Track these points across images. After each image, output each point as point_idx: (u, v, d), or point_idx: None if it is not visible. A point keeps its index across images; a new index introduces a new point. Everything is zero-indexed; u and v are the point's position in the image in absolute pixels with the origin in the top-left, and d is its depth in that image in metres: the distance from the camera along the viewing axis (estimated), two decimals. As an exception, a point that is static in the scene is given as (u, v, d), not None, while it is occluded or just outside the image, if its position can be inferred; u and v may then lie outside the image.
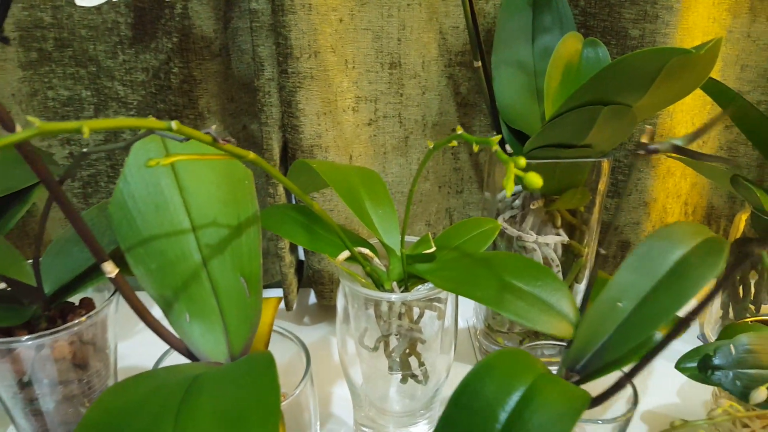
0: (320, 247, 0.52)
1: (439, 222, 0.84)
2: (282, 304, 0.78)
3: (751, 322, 0.56)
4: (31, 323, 0.52)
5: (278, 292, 0.85)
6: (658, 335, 0.46)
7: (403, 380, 0.56)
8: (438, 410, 0.60)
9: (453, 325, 0.56)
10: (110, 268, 0.39)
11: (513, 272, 0.47)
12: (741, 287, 0.70)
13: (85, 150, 0.39)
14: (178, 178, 0.44)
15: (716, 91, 0.62)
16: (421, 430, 0.60)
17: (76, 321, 0.50)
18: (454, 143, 0.39)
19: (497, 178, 0.66)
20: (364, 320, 0.55)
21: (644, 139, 0.51)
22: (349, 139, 0.72)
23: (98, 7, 0.70)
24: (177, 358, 0.43)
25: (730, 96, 0.60)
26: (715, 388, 0.56)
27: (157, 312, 0.41)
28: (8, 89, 0.71)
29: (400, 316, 0.53)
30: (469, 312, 0.78)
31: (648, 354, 0.40)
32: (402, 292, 0.52)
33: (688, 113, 0.75)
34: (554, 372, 0.45)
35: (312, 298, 0.85)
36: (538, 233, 0.65)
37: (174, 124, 0.30)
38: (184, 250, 0.43)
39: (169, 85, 0.72)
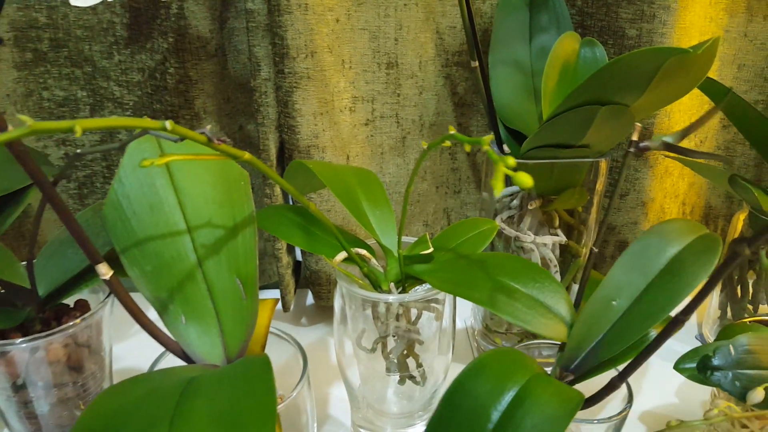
0: (317, 248, 0.52)
1: (437, 222, 0.84)
2: (279, 305, 0.77)
3: (750, 322, 0.55)
4: (25, 325, 0.52)
5: (275, 293, 0.85)
6: (653, 334, 0.46)
7: (401, 381, 0.56)
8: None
9: (451, 326, 0.56)
10: (105, 270, 0.38)
11: (511, 274, 0.47)
12: (739, 287, 0.70)
13: (78, 151, 0.39)
14: (174, 178, 0.43)
15: (714, 90, 0.62)
16: (419, 431, 0.59)
17: (71, 323, 0.50)
18: (448, 144, 0.39)
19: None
20: (362, 321, 0.55)
21: (635, 137, 0.51)
22: (346, 140, 0.72)
23: (93, 8, 0.69)
24: (173, 361, 0.43)
25: (725, 93, 0.60)
26: (714, 388, 0.56)
27: (152, 314, 0.41)
28: (3, 90, 0.71)
29: (397, 317, 0.53)
30: (466, 313, 0.78)
31: (641, 354, 0.40)
32: (399, 293, 0.52)
33: (686, 113, 0.75)
34: (549, 372, 0.45)
35: (309, 299, 0.84)
36: (536, 233, 0.65)
37: (168, 124, 0.30)
38: (180, 251, 0.42)
39: (165, 85, 0.72)
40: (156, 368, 0.45)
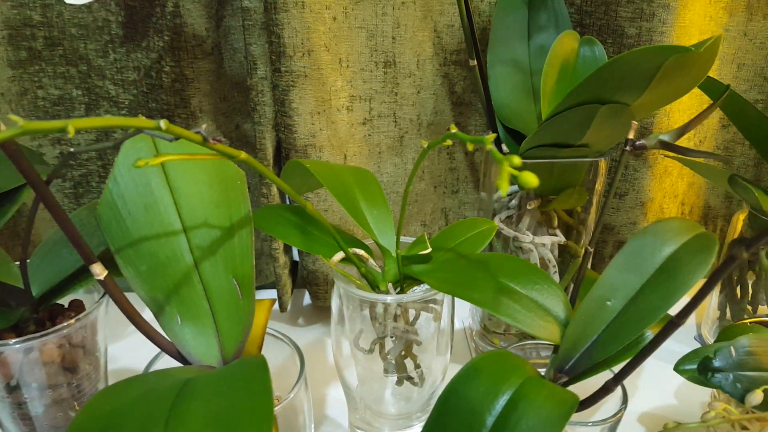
0: (314, 248, 0.52)
1: (435, 222, 0.84)
2: (276, 305, 0.77)
3: (750, 323, 0.55)
4: (19, 326, 0.51)
5: (272, 293, 0.84)
6: (649, 334, 0.45)
7: (399, 382, 0.56)
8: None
9: (449, 327, 0.56)
10: (99, 270, 0.38)
11: (509, 274, 0.47)
12: (739, 288, 0.70)
13: (72, 149, 0.38)
14: (169, 178, 0.43)
15: (714, 90, 0.62)
16: (416, 433, 0.59)
17: (65, 323, 0.49)
18: (449, 142, 0.39)
19: (493, 178, 0.65)
20: (360, 322, 0.54)
21: (631, 135, 0.50)
22: (343, 139, 0.71)
23: (88, 6, 0.69)
24: (168, 362, 0.43)
25: (729, 95, 0.60)
26: (714, 390, 0.55)
27: (147, 314, 0.41)
28: (-3, 88, 0.71)
29: (395, 318, 0.52)
30: (465, 313, 0.78)
31: (638, 355, 0.39)
32: (397, 293, 0.52)
33: (686, 112, 0.75)
34: (544, 373, 0.45)
35: (306, 299, 0.84)
36: (535, 234, 0.65)
37: (163, 123, 0.29)
38: (175, 251, 0.42)
39: (160, 84, 0.71)
40: (151, 369, 0.45)
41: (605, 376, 0.45)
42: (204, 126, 0.32)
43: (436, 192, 0.82)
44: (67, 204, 0.78)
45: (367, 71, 0.71)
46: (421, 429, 0.58)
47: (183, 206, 0.43)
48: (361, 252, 0.52)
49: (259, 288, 0.86)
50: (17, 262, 0.50)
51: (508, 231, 0.65)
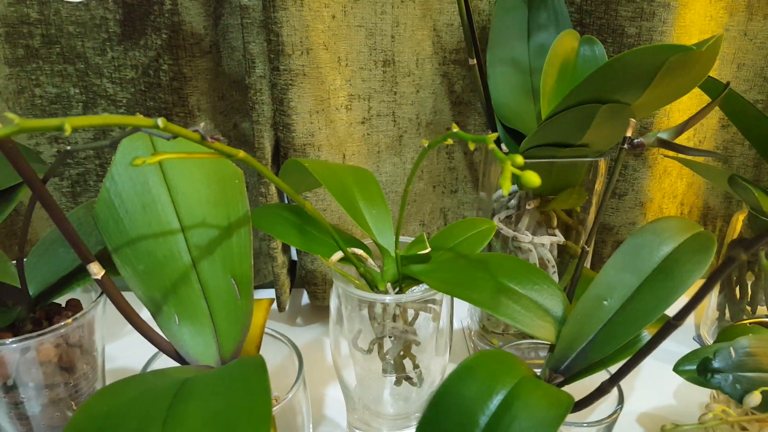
0: (313, 247, 0.52)
1: (434, 222, 0.84)
2: (274, 305, 0.77)
3: (750, 323, 0.55)
4: (16, 325, 0.51)
5: (270, 293, 0.84)
6: (646, 334, 0.45)
7: (398, 382, 0.56)
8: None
9: (448, 327, 0.55)
10: (96, 270, 0.38)
11: (509, 275, 0.47)
12: (738, 288, 0.70)
13: (68, 148, 0.38)
14: (167, 177, 0.43)
15: (714, 89, 0.62)
16: (415, 433, 0.59)
17: (62, 323, 0.49)
18: (449, 141, 0.38)
19: (492, 178, 0.65)
20: (358, 322, 0.54)
21: (629, 133, 0.50)
22: (342, 138, 0.71)
23: (86, 3, 0.69)
24: (166, 361, 0.42)
25: (729, 95, 0.60)
26: (714, 391, 0.55)
27: (145, 314, 0.41)
28: (-5, 86, 0.70)
29: (394, 318, 0.52)
30: (463, 313, 0.77)
31: (636, 356, 0.39)
32: (396, 293, 0.52)
33: (685, 112, 0.75)
34: (539, 373, 0.45)
35: (305, 299, 0.84)
36: (534, 234, 0.65)
37: (161, 121, 0.29)
38: (173, 250, 0.42)
39: (158, 82, 0.71)
40: (149, 369, 0.45)
41: (601, 376, 0.45)
42: (202, 124, 0.32)
43: (435, 192, 0.82)
44: (64, 203, 0.78)
45: (366, 70, 0.71)
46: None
47: (181, 205, 0.43)
48: (359, 252, 0.51)
49: (257, 287, 0.86)
50: (14, 261, 0.50)
51: (507, 231, 0.65)
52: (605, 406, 0.48)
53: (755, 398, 0.47)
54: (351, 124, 0.72)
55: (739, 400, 0.47)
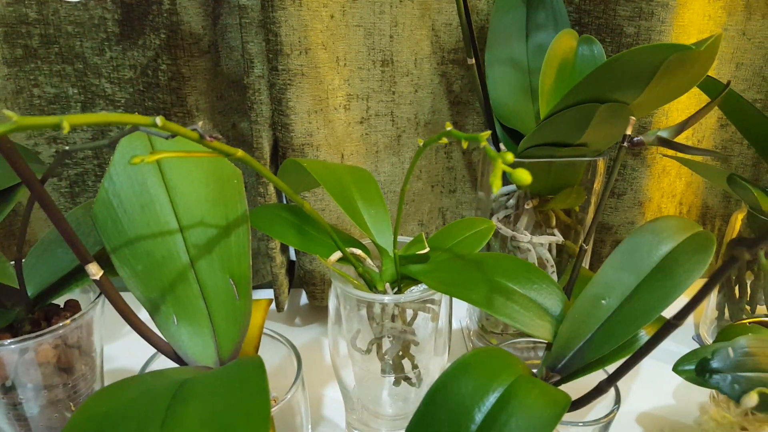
0: (311, 247, 0.52)
1: (432, 222, 0.84)
2: (273, 305, 0.77)
3: (749, 323, 0.55)
4: (15, 326, 0.51)
5: (269, 293, 0.84)
6: (643, 334, 0.45)
7: (396, 383, 0.56)
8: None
9: (447, 327, 0.55)
10: (95, 270, 0.38)
11: (508, 274, 0.47)
12: (737, 288, 0.70)
13: (67, 148, 0.38)
14: (165, 176, 0.43)
15: (713, 88, 0.62)
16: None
17: (61, 324, 0.49)
18: (446, 141, 0.38)
19: (491, 177, 0.65)
20: (357, 322, 0.54)
21: (628, 131, 0.50)
22: (340, 138, 0.71)
23: (85, 3, 0.69)
24: (165, 362, 0.42)
25: (728, 94, 0.60)
26: (713, 391, 0.55)
27: (144, 314, 0.40)
28: (-7, 86, 0.70)
29: (393, 318, 0.52)
30: (462, 313, 0.77)
31: (634, 356, 0.39)
32: (395, 293, 0.52)
33: (684, 112, 0.75)
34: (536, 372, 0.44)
35: (303, 299, 0.84)
36: (533, 233, 0.65)
37: (159, 120, 0.29)
38: (171, 250, 0.42)
39: (157, 82, 0.71)
40: (147, 370, 0.44)
41: (599, 375, 0.44)
42: (200, 123, 0.32)
43: (434, 191, 0.82)
44: (63, 203, 0.78)
45: (364, 70, 0.71)
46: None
47: (179, 205, 0.42)
48: (358, 251, 0.51)
49: (255, 288, 0.86)
50: (12, 262, 0.50)
51: (506, 230, 0.65)
52: (603, 405, 0.48)
53: (752, 399, 0.47)
54: (349, 124, 0.72)
55: (738, 400, 0.47)
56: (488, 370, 0.39)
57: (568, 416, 0.40)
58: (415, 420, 0.37)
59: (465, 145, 0.35)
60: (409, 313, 0.53)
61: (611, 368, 0.42)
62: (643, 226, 0.47)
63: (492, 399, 0.37)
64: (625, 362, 0.40)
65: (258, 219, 0.52)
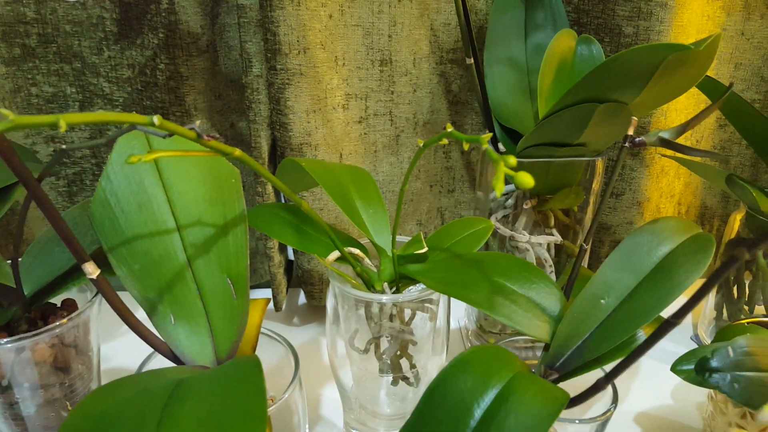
0: (310, 247, 0.51)
1: (431, 221, 0.83)
2: (271, 305, 0.77)
3: (748, 323, 0.55)
4: (11, 325, 0.51)
5: (267, 293, 0.84)
6: (641, 334, 0.45)
7: (394, 382, 0.55)
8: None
9: (445, 327, 0.55)
10: (91, 269, 0.37)
11: (506, 274, 0.47)
12: (735, 288, 0.70)
13: (64, 146, 0.38)
14: (163, 176, 0.43)
15: (712, 88, 0.62)
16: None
17: (58, 323, 0.49)
18: (445, 141, 0.38)
19: (489, 177, 0.65)
20: (355, 321, 0.54)
21: (630, 132, 0.50)
22: (339, 137, 0.71)
23: (83, 2, 0.69)
24: (162, 362, 0.42)
25: (726, 89, 0.60)
26: (711, 390, 0.55)
27: (141, 314, 0.40)
28: (-10, 85, 0.70)
29: (391, 318, 0.52)
30: (460, 313, 0.77)
31: (631, 355, 0.39)
32: (393, 293, 0.51)
33: (683, 112, 0.74)
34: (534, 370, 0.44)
35: (301, 299, 0.84)
36: (531, 233, 0.65)
37: (156, 119, 0.29)
38: (169, 250, 0.42)
39: (155, 81, 0.71)
40: (144, 369, 0.44)
41: (597, 374, 0.44)
42: (198, 122, 0.32)
43: (432, 191, 0.81)
44: (61, 202, 0.78)
45: (363, 69, 0.71)
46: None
47: (176, 204, 0.42)
48: (356, 251, 0.51)
49: (254, 287, 0.86)
50: (9, 261, 0.50)
51: (505, 230, 0.65)
52: (601, 404, 0.48)
53: (766, 414, 0.47)
54: (348, 124, 0.72)
55: (737, 400, 0.47)
56: (487, 366, 0.39)
57: (566, 414, 0.40)
58: (414, 416, 0.37)
59: (466, 147, 0.35)
60: (407, 312, 0.53)
61: (609, 367, 0.42)
62: (642, 227, 0.47)
63: (491, 395, 0.37)
64: (623, 360, 0.40)
65: (256, 218, 0.52)
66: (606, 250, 0.80)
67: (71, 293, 0.55)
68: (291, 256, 0.81)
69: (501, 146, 0.65)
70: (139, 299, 0.41)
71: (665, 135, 0.51)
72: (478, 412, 0.36)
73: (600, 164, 0.62)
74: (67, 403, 0.53)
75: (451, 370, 0.38)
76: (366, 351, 0.54)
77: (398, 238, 0.52)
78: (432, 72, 0.75)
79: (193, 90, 0.71)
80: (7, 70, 0.70)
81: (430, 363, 0.56)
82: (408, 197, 0.79)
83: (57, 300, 0.54)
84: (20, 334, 0.48)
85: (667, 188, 0.78)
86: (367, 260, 0.52)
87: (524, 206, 0.64)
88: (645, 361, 0.71)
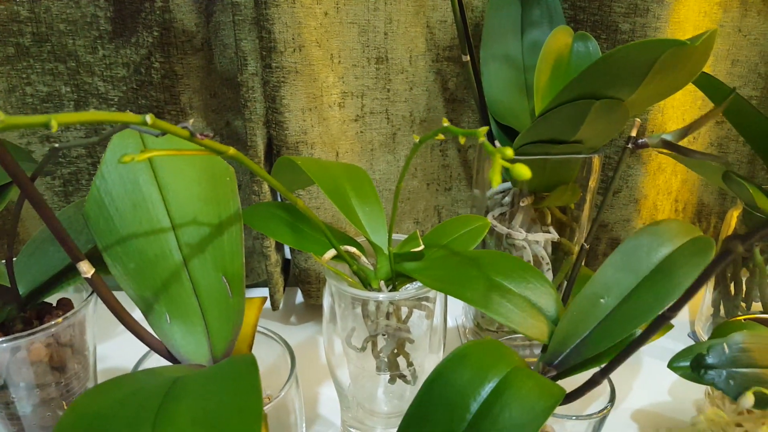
0: (306, 245, 0.51)
1: (428, 220, 0.83)
2: (268, 304, 0.77)
3: (744, 320, 0.55)
4: (6, 325, 0.51)
5: (264, 292, 0.84)
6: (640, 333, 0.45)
7: (392, 381, 0.55)
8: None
9: (442, 325, 0.55)
10: (86, 268, 0.37)
11: (503, 272, 0.47)
12: (732, 285, 0.70)
13: (56, 145, 0.37)
14: (157, 175, 0.42)
15: (709, 85, 0.61)
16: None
17: (53, 322, 0.49)
18: (442, 137, 0.38)
19: (486, 175, 0.65)
20: (352, 320, 0.54)
21: (633, 133, 0.50)
22: (335, 136, 0.71)
23: (77, 1, 0.68)
24: (158, 360, 0.42)
25: (723, 91, 0.60)
26: (708, 387, 0.55)
27: (136, 313, 0.40)
28: (-15, 85, 0.70)
29: (387, 316, 0.52)
30: (458, 310, 0.77)
31: (626, 349, 0.39)
32: (390, 291, 0.51)
33: (679, 108, 0.74)
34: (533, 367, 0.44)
35: (298, 298, 0.83)
36: (528, 231, 0.65)
37: (149, 118, 0.29)
38: (164, 249, 0.42)
39: (150, 80, 0.71)
40: (140, 368, 0.44)
41: (593, 374, 0.44)
42: (191, 121, 0.31)
43: (429, 189, 0.81)
44: (56, 202, 0.77)
45: (359, 67, 0.71)
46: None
47: (171, 203, 0.42)
48: (353, 249, 0.51)
49: (251, 286, 0.86)
50: (3, 260, 0.50)
51: (501, 228, 0.65)
52: (599, 403, 0.48)
53: (748, 399, 0.47)
54: (344, 122, 0.72)
55: (733, 396, 0.47)
56: (484, 361, 0.39)
57: (564, 410, 0.40)
58: (411, 409, 0.37)
59: (462, 140, 0.35)
60: (404, 310, 0.53)
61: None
62: (643, 228, 0.47)
63: (488, 389, 0.37)
64: (618, 354, 0.40)
65: (252, 217, 0.52)
66: (603, 248, 0.80)
67: (67, 293, 0.55)
68: (288, 255, 0.81)
69: (497, 144, 0.65)
70: (135, 298, 0.41)
71: (668, 137, 0.51)
72: (474, 406, 0.37)
73: (596, 161, 0.62)
74: (64, 402, 0.53)
75: (449, 363, 0.39)
76: (363, 349, 0.53)
77: (395, 236, 0.52)
78: (428, 70, 0.75)
79: (188, 88, 0.71)
80: (2, 69, 0.70)
81: (427, 361, 0.56)
82: (405, 195, 0.79)
83: (52, 299, 0.54)
84: (15, 334, 0.48)
85: (664, 185, 0.78)
86: (363, 258, 0.52)
87: (521, 204, 0.64)
88: (642, 358, 0.71)
